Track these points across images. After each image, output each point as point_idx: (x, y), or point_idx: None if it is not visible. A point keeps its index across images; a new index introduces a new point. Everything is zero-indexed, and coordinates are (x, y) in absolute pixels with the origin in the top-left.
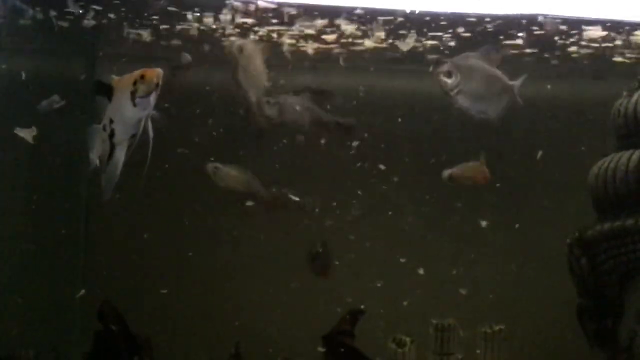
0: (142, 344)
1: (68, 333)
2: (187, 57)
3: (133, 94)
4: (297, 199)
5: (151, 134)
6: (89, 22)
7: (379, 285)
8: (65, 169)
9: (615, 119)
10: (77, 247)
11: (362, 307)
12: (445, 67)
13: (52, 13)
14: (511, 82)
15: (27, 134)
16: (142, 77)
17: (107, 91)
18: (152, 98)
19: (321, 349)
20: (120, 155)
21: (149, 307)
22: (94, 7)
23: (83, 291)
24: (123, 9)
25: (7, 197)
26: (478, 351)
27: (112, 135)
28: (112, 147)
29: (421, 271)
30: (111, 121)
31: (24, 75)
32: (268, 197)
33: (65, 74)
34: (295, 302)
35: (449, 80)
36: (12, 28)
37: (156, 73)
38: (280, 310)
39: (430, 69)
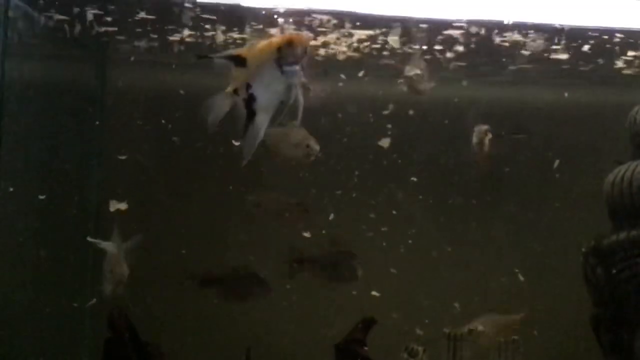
0: (153, 352)
1: (78, 340)
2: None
3: (279, 60)
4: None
5: (301, 100)
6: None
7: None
8: (77, 173)
9: (632, 127)
10: (87, 253)
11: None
12: None
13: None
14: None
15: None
16: (290, 43)
17: (235, 59)
18: (302, 65)
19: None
20: (265, 120)
21: (160, 314)
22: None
23: (94, 300)
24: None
25: (17, 202)
26: None
27: (250, 100)
28: (252, 113)
29: None
30: (248, 86)
31: (35, 81)
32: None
33: (76, 79)
34: (306, 311)
35: None
36: (22, 34)
37: (305, 38)
38: (291, 319)
39: None
